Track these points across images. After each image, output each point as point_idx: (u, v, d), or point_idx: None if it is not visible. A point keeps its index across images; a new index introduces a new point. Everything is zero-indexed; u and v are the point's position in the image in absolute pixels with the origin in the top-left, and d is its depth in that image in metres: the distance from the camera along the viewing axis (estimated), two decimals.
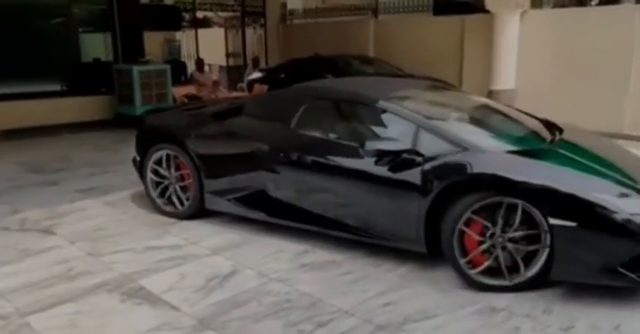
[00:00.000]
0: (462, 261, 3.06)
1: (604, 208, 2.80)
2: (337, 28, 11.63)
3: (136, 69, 8.86)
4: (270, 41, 12.92)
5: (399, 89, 4.15)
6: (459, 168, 3.13)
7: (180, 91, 9.35)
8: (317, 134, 3.76)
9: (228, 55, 13.80)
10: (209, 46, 13.14)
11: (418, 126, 3.35)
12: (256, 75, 10.67)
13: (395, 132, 3.43)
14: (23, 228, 4.13)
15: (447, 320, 2.76)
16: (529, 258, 2.98)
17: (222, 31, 13.77)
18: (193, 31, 11.87)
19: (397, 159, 3.28)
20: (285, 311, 2.82)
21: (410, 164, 3.23)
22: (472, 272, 3.05)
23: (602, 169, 3.15)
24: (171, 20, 11.41)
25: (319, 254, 3.57)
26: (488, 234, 3.02)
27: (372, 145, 3.35)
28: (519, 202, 2.92)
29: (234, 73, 13.57)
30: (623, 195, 2.89)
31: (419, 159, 3.22)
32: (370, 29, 11.08)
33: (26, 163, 6.41)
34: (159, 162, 4.37)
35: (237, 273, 3.29)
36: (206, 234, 3.94)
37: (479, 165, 3.07)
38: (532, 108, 8.62)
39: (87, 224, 4.22)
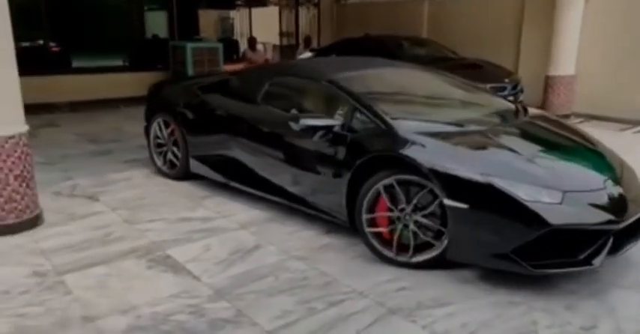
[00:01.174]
0: (369, 232, 3.21)
1: (497, 192, 2.77)
2: (391, 9, 11.40)
3: (189, 46, 9.12)
4: (323, 21, 12.87)
5: (358, 69, 4.27)
6: (373, 145, 3.26)
7: (231, 69, 9.56)
8: (274, 108, 4.02)
9: (281, 34, 13.86)
10: (263, 24, 13.27)
11: (353, 104, 3.50)
12: (306, 54, 10.68)
13: (334, 108, 3.59)
14: (72, 194, 4.43)
15: (460, 308, 2.74)
16: (437, 238, 3.03)
17: (277, 10, 13.81)
18: (247, 10, 11.97)
19: (331, 134, 3.47)
20: (300, 289, 2.90)
21: (340, 139, 3.41)
22: (379, 246, 3.19)
23: (525, 157, 3.07)
24: None
25: (340, 235, 3.61)
26: (394, 211, 3.13)
27: (311, 120, 3.53)
28: (415, 180, 3.01)
29: (287, 52, 13.65)
30: (522, 181, 2.82)
31: (349, 135, 3.38)
32: (424, 10, 10.79)
33: (84, 134, 6.82)
34: (160, 129, 4.86)
35: (259, 248, 3.40)
36: (237, 209, 4.08)
37: (387, 144, 3.19)
38: (592, 95, 8.26)
39: (129, 193, 4.47)
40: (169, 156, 4.81)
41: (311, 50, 11.07)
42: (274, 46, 15.08)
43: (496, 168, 2.92)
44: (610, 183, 3.03)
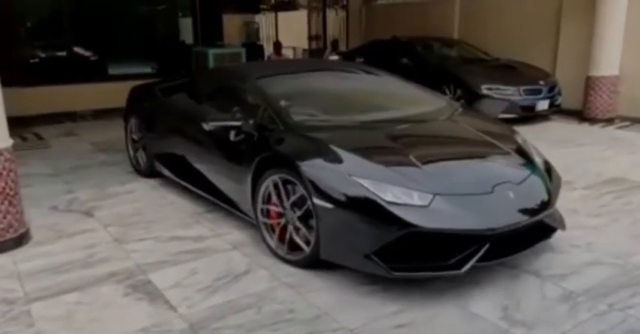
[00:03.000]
0: (264, 228, 3.34)
1: (361, 193, 2.75)
2: (421, 9, 10.94)
3: (211, 52, 8.98)
4: (351, 23, 12.54)
5: (291, 71, 4.48)
6: (268, 145, 3.33)
7: None
8: (211, 108, 4.11)
9: (310, 38, 13.61)
10: (292, 28, 13.06)
11: (264, 104, 3.61)
12: (333, 58, 10.39)
13: (252, 108, 3.67)
14: (69, 209, 4.26)
15: None
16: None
17: (305, 13, 13.59)
18: (273, 14, 11.77)
19: (243, 134, 3.57)
20: (284, 323, 2.58)
21: (250, 138, 3.50)
22: (272, 242, 3.27)
23: (411, 158, 3.01)
24: (250, 3, 11.44)
25: None
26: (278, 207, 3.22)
27: (216, 122, 3.67)
28: (292, 179, 3.06)
29: (315, 56, 13.38)
30: (393, 183, 2.78)
31: (256, 134, 3.46)
32: (456, 9, 10.29)
33: (99, 143, 6.71)
34: (131, 129, 5.21)
35: (249, 273, 3.10)
36: (234, 227, 3.79)
37: (277, 144, 3.27)
38: (638, 98, 7.59)
39: (127, 207, 4.26)
40: (138, 154, 5.10)
41: (337, 53, 10.77)
42: (303, 50, 14.90)
43: (367, 169, 2.90)
44: (502, 188, 2.91)
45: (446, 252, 2.74)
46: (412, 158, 3.01)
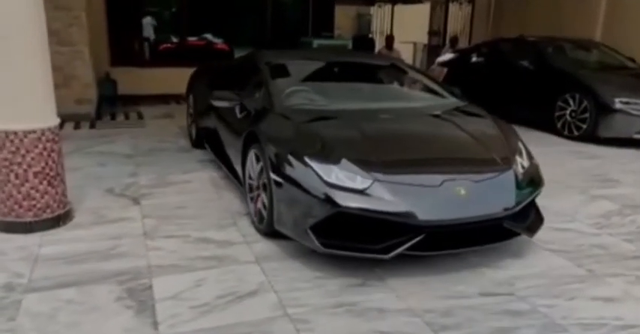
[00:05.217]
0: (248, 200, 3.66)
1: (306, 171, 2.97)
2: (558, 6, 9.63)
3: (315, 42, 8.72)
4: (477, 19, 11.50)
5: (305, 58, 4.98)
6: (251, 122, 3.72)
7: None
8: (237, 90, 4.29)
9: (430, 33, 12.77)
10: (412, 22, 12.35)
11: (265, 85, 4.04)
12: (448, 56, 9.56)
13: (258, 89, 4.12)
14: (122, 193, 4.23)
15: None
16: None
17: (426, 7, 12.74)
18: (390, 7, 11.17)
19: (245, 111, 4.02)
20: None
21: (248, 114, 3.96)
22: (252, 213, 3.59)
23: (370, 145, 3.22)
24: None
25: (373, 294, 2.77)
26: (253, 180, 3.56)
27: (218, 100, 4.14)
28: (254, 153, 3.48)
29: (434, 53, 12.55)
30: (339, 165, 2.97)
31: (252, 111, 3.90)
32: (600, 7, 8.86)
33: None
34: (189, 104, 5.96)
35: (256, 295, 2.72)
36: (270, 235, 3.44)
37: (258, 121, 3.65)
38: None
39: (174, 199, 4.12)
40: (192, 128, 5.75)
41: (454, 51, 9.91)
42: (423, 46, 14.09)
43: (318, 150, 3.11)
44: (453, 184, 2.98)
45: (385, 238, 2.86)
46: (370, 146, 3.19)
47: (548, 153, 6.01)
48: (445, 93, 4.45)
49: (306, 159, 3.02)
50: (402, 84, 4.89)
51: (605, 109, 6.41)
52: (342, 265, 3.05)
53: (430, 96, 4.48)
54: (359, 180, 2.90)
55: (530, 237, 3.29)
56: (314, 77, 4.46)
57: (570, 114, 6.73)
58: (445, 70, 8.35)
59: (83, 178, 4.51)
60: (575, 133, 6.66)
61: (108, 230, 3.48)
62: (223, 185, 4.48)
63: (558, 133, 6.85)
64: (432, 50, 12.25)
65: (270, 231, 3.29)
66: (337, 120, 3.63)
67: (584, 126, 6.56)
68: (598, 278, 3.05)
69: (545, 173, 5.17)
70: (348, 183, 2.88)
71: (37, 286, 2.73)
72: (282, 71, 4.35)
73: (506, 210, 3.04)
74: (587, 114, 6.51)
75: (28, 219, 3.34)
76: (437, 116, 3.88)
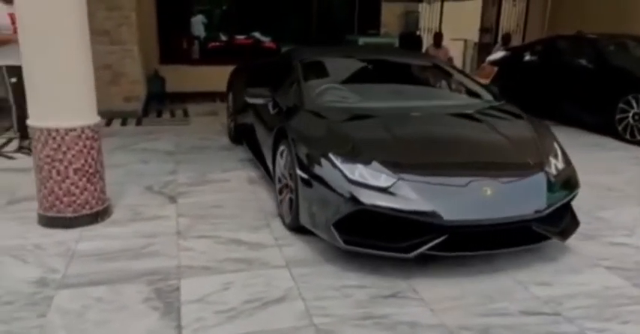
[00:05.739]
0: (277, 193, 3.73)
1: (330, 168, 2.98)
2: (625, 1, 9.03)
3: (361, 40, 8.58)
4: (532, 15, 10.98)
5: (341, 55, 5.00)
6: (282, 119, 3.76)
7: None
8: (271, 87, 4.31)
9: (482, 30, 12.32)
10: (462, 19, 11.97)
11: (299, 84, 4.05)
12: (499, 54, 9.17)
13: (292, 86, 4.15)
14: (160, 191, 4.27)
15: None
16: None
17: (478, 3, 12.28)
18: (439, 3, 10.85)
19: (277, 108, 4.07)
20: None
21: (280, 111, 4.01)
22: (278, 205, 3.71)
23: (398, 145, 3.21)
24: None
25: (405, 306, 2.64)
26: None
27: (251, 97, 4.18)
28: (284, 148, 3.52)
29: (485, 51, 12.11)
30: (364, 163, 2.97)
31: (284, 108, 3.95)
32: None
33: None
34: (228, 101, 6.13)
35: (283, 302, 2.65)
36: (303, 239, 3.37)
37: (288, 118, 3.68)
38: None
39: (211, 198, 4.12)
40: (232, 124, 5.87)
41: (506, 49, 9.51)
42: (474, 44, 13.63)
43: (345, 148, 3.10)
44: (479, 185, 2.92)
45: (408, 237, 2.83)
46: (397, 146, 3.19)
47: (607, 158, 5.66)
48: (482, 92, 4.35)
49: (331, 157, 3.03)
50: (437, 82, 4.89)
51: None
52: (373, 273, 2.95)
53: (465, 95, 4.43)
54: (383, 178, 2.89)
55: (562, 242, 3.19)
56: (347, 75, 4.46)
57: (633, 117, 6.29)
58: (496, 68, 8.01)
59: (125, 175, 4.59)
60: (638, 137, 6.23)
61: (143, 228, 3.51)
62: (260, 185, 4.45)
63: (619, 137, 6.42)
64: (484, 48, 11.82)
65: (295, 226, 3.33)
66: (366, 119, 3.61)
67: None
68: None
69: (602, 181, 4.87)
70: (371, 180, 2.88)
71: (70, 282, 2.77)
72: (315, 68, 4.40)
73: (535, 212, 2.94)
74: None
75: (68, 215, 3.41)
76: (470, 116, 3.80)
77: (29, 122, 3.35)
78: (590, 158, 5.63)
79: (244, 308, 2.59)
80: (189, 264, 3.01)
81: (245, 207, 3.94)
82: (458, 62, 12.41)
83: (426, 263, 3.07)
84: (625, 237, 3.60)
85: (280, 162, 3.64)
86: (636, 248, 3.44)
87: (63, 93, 3.24)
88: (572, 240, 3.44)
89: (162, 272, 2.91)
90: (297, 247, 3.27)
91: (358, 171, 2.92)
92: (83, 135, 3.34)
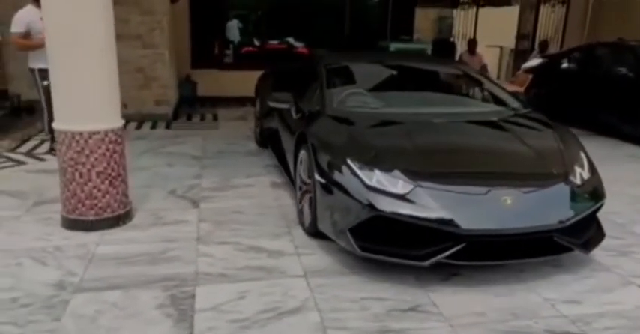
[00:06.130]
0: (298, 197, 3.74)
1: (348, 174, 2.99)
2: None
3: (393, 46, 8.49)
4: (571, 21, 10.65)
5: (369, 61, 4.98)
6: (304, 124, 3.78)
7: None
8: (296, 91, 4.36)
9: (518, 37, 12.03)
10: (499, 26, 11.71)
11: (322, 90, 4.04)
12: (536, 62, 8.91)
13: (314, 91, 4.18)
14: (184, 195, 4.27)
15: None
16: None
17: (517, 9, 11.99)
18: (474, 9, 10.65)
19: (300, 113, 4.06)
20: None
21: (302, 116, 4.00)
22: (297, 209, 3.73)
23: (417, 151, 3.20)
24: None
25: (424, 321, 2.54)
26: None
27: (273, 102, 4.28)
28: (304, 153, 3.52)
29: (521, 58, 11.81)
30: (383, 169, 2.95)
31: (307, 113, 3.96)
32: None
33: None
34: (255, 106, 6.28)
35: (298, 312, 2.59)
36: (322, 246, 3.31)
37: (309, 124, 3.69)
38: None
39: (233, 203, 4.10)
40: (258, 128, 5.98)
41: (543, 57, 9.24)
42: (510, 51, 13.32)
43: (364, 153, 3.09)
44: (499, 193, 2.86)
45: (425, 245, 2.79)
46: (418, 154, 3.16)
47: None
48: (509, 100, 4.25)
49: (350, 163, 3.02)
50: (463, 90, 4.87)
51: None
52: (394, 285, 2.86)
53: (492, 102, 4.35)
54: (400, 184, 2.86)
55: (585, 254, 3.10)
56: (372, 81, 4.42)
57: None
58: (530, 76, 7.78)
59: (150, 178, 4.62)
60: None
61: (163, 232, 3.51)
62: (284, 191, 4.41)
63: None
64: (520, 55, 11.53)
65: (313, 231, 3.33)
66: (388, 126, 3.59)
67: None
68: None
69: (639, 194, 4.63)
70: (389, 187, 2.86)
71: (87, 286, 2.78)
72: (339, 74, 4.43)
73: (558, 223, 2.86)
74: None
75: (90, 218, 3.44)
76: (494, 123, 3.73)
77: (54, 125, 3.40)
78: (627, 169, 5.38)
79: (258, 318, 2.53)
80: (207, 271, 2.98)
81: (267, 214, 3.90)
82: (493, 69, 12.16)
83: (449, 277, 2.97)
84: None
85: (300, 167, 3.64)
86: None
87: (87, 97, 3.27)
88: (605, 256, 3.29)
89: (179, 279, 2.88)
90: (316, 256, 3.21)
91: (376, 178, 2.90)
92: (106, 139, 3.37)
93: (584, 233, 3.08)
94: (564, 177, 3.09)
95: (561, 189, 3.02)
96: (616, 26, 9.30)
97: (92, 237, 3.38)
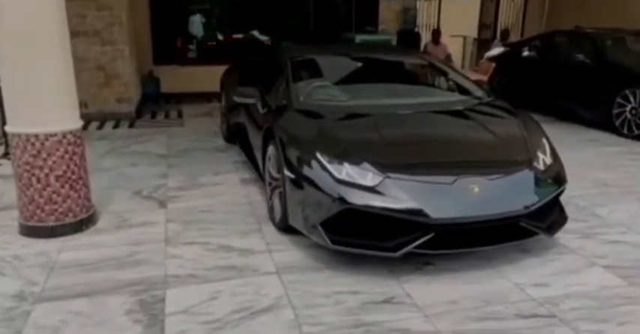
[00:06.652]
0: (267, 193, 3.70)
1: (317, 167, 2.98)
2: None
3: (358, 37, 8.45)
4: (530, 11, 10.83)
5: (334, 54, 4.95)
6: (270, 119, 3.75)
7: None
8: (261, 86, 4.35)
9: (480, 27, 12.17)
10: (462, 15, 11.83)
11: (288, 84, 3.99)
12: (498, 50, 9.03)
13: (281, 85, 4.11)
14: (150, 196, 4.16)
15: None
16: None
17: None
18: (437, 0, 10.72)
19: (266, 107, 4.04)
20: None
21: (269, 110, 3.97)
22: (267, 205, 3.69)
23: (383, 142, 3.22)
24: None
25: (398, 312, 2.54)
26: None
27: (238, 96, 4.21)
28: (273, 148, 3.46)
29: (484, 47, 11.96)
30: (351, 162, 2.95)
31: (273, 107, 3.94)
32: None
33: None
34: (221, 100, 6.17)
35: (271, 310, 2.55)
36: (294, 242, 3.27)
37: (276, 118, 3.65)
38: None
39: (201, 202, 4.02)
40: (224, 123, 5.89)
41: (504, 45, 9.37)
42: (474, 40, 13.48)
43: (333, 147, 3.07)
44: (466, 182, 2.90)
45: (395, 236, 2.81)
46: (385, 145, 3.17)
47: (605, 153, 5.54)
48: (473, 89, 4.29)
49: (319, 156, 3.00)
50: (428, 80, 4.92)
51: None
52: (366, 278, 2.85)
53: (456, 92, 4.37)
54: (370, 176, 2.87)
55: (549, 237, 3.16)
56: (337, 73, 4.39)
57: (630, 112, 6.17)
58: (493, 65, 7.88)
59: (113, 179, 4.49)
60: (636, 132, 6.11)
61: (129, 235, 3.41)
62: (253, 187, 4.35)
63: (617, 132, 6.30)
64: (483, 44, 11.66)
65: (284, 226, 3.31)
66: (355, 119, 3.58)
67: None
68: None
69: (600, 176, 4.76)
70: (359, 179, 2.86)
71: (49, 295, 2.67)
72: (305, 67, 4.38)
73: (524, 208, 2.93)
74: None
75: (51, 224, 3.31)
76: (459, 113, 3.76)
77: (7, 128, 3.24)
78: (588, 154, 5.53)
79: (231, 318, 2.48)
80: (176, 273, 2.91)
81: (236, 211, 3.84)
82: (457, 59, 12.28)
83: (421, 267, 2.98)
84: (621, 235, 3.50)
85: (269, 162, 3.60)
86: (633, 245, 3.34)
87: (41, 97, 3.13)
88: (570, 239, 3.37)
89: (148, 283, 2.80)
90: (288, 252, 3.17)
91: (345, 171, 2.90)
92: (65, 141, 3.24)
93: (549, 217, 3.16)
94: (528, 163, 3.14)
95: (526, 176, 3.07)
96: (573, 14, 9.51)
97: (53, 243, 3.25)
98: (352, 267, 2.96)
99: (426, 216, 2.76)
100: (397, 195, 2.80)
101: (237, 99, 4.26)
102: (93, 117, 6.70)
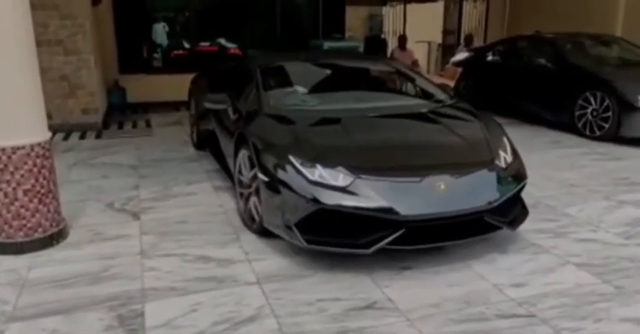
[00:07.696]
0: (239, 198, 3.76)
1: (290, 170, 3.06)
2: (578, 1, 9.24)
3: (326, 44, 8.51)
4: (492, 16, 11.15)
5: (299, 60, 5.06)
6: (241, 124, 3.85)
7: None
8: (231, 92, 4.41)
9: (445, 32, 12.47)
10: (425, 22, 12.07)
11: (258, 90, 4.09)
12: (462, 55, 9.25)
13: (251, 91, 4.19)
14: (122, 208, 4.06)
15: None
16: None
17: (440, 5, 12.42)
18: (402, 6, 10.90)
19: (237, 113, 4.12)
20: None
21: (240, 116, 4.05)
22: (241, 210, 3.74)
23: (353, 144, 3.34)
24: None
25: (381, 318, 2.55)
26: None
27: (209, 102, 4.31)
28: (245, 153, 3.56)
29: (449, 52, 12.24)
30: (324, 164, 3.04)
31: (244, 112, 4.01)
32: (619, 1, 8.48)
33: None
34: (189, 107, 6.23)
35: (254, 322, 2.52)
36: (274, 251, 3.25)
37: (248, 123, 3.75)
38: None
39: (176, 212, 3.95)
40: (194, 129, 5.89)
41: (469, 50, 9.61)
42: (438, 45, 13.78)
43: (306, 152, 3.16)
44: (433, 180, 3.03)
45: (367, 233, 2.92)
46: (358, 144, 3.32)
47: (569, 154, 5.72)
48: (437, 92, 4.45)
49: (291, 159, 3.09)
50: (394, 85, 5.08)
51: (628, 108, 6.05)
52: (347, 284, 2.86)
53: (420, 95, 4.54)
54: (341, 177, 2.98)
55: (512, 231, 3.31)
56: (304, 79, 4.53)
57: (592, 114, 6.40)
58: (459, 69, 8.06)
59: (83, 192, 4.37)
60: (597, 133, 6.33)
61: (103, 249, 3.31)
62: (228, 196, 4.30)
63: (579, 133, 6.52)
64: (447, 49, 11.96)
65: (260, 229, 3.36)
66: (325, 124, 3.69)
67: (607, 126, 6.22)
68: (627, 296, 2.79)
69: (566, 177, 4.93)
70: (331, 181, 2.97)
71: (21, 314, 2.56)
72: (273, 74, 4.50)
73: (487, 204, 3.08)
74: (609, 113, 6.19)
75: (19, 240, 3.19)
76: (424, 115, 3.91)
77: None
78: (552, 154, 5.70)
79: (214, 330, 2.44)
80: (154, 286, 2.84)
81: (212, 221, 3.79)
82: (423, 64, 12.51)
83: (400, 272, 3.01)
84: (591, 233, 3.61)
85: (242, 166, 3.65)
86: (602, 243, 3.45)
87: (8, 109, 3.02)
88: (544, 239, 3.46)
89: (124, 297, 2.73)
90: (268, 261, 3.14)
91: (318, 173, 3.00)
92: (32, 153, 3.13)
93: (511, 212, 3.32)
94: (490, 161, 3.30)
95: (488, 173, 3.23)
96: (532, 20, 9.82)
97: (23, 260, 3.13)
98: (332, 274, 2.96)
99: (396, 213, 2.88)
100: (368, 194, 2.91)
101: (207, 105, 4.33)
102: (58, 129, 6.48)
